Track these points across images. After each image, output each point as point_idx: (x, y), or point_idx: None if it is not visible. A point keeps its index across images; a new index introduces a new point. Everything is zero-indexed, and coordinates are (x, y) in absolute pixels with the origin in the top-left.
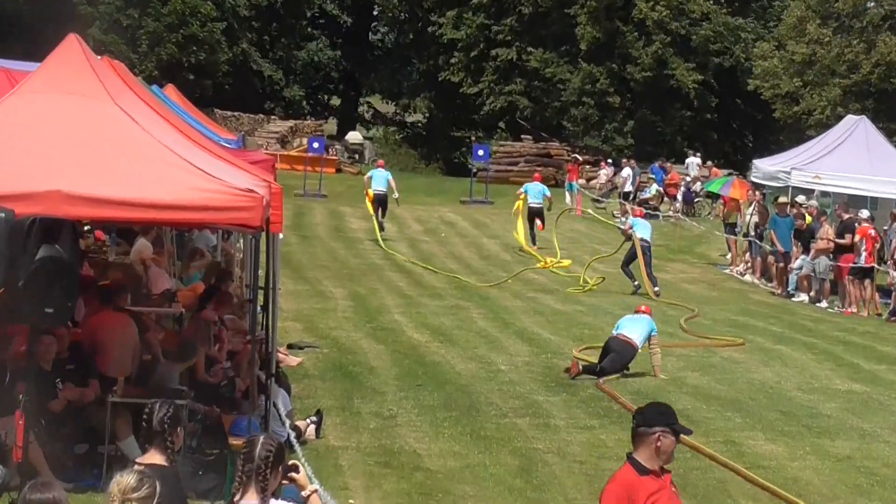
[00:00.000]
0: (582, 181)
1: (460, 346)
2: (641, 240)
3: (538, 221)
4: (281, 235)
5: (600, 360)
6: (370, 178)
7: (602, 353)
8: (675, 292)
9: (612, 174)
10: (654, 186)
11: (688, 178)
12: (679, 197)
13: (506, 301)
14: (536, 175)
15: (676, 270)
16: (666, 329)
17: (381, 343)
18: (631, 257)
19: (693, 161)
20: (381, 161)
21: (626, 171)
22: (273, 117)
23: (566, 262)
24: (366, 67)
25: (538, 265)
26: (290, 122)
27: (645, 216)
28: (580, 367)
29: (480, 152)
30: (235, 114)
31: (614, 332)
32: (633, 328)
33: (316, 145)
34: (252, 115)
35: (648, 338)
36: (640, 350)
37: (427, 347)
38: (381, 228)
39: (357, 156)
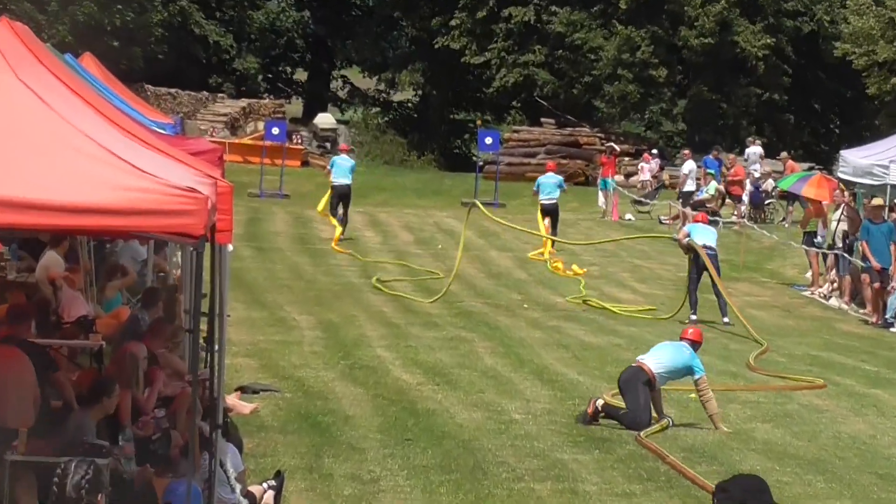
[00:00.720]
0: (619, 177)
1: (462, 390)
2: (705, 247)
3: (547, 220)
4: (230, 247)
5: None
6: (330, 167)
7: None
8: (740, 321)
9: (657, 168)
10: (713, 184)
11: (755, 174)
12: (745, 198)
13: (520, 331)
14: (550, 164)
15: (742, 292)
16: (727, 368)
17: (360, 385)
18: (698, 274)
19: (754, 151)
20: (344, 145)
21: (689, 166)
22: (221, 95)
23: (579, 270)
24: (340, 32)
25: (550, 264)
26: (243, 102)
27: (709, 222)
28: (597, 406)
29: (488, 140)
30: (172, 91)
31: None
32: (659, 354)
33: (276, 131)
34: (193, 93)
35: (689, 374)
36: (658, 382)
37: (419, 391)
38: (343, 224)
39: (329, 144)
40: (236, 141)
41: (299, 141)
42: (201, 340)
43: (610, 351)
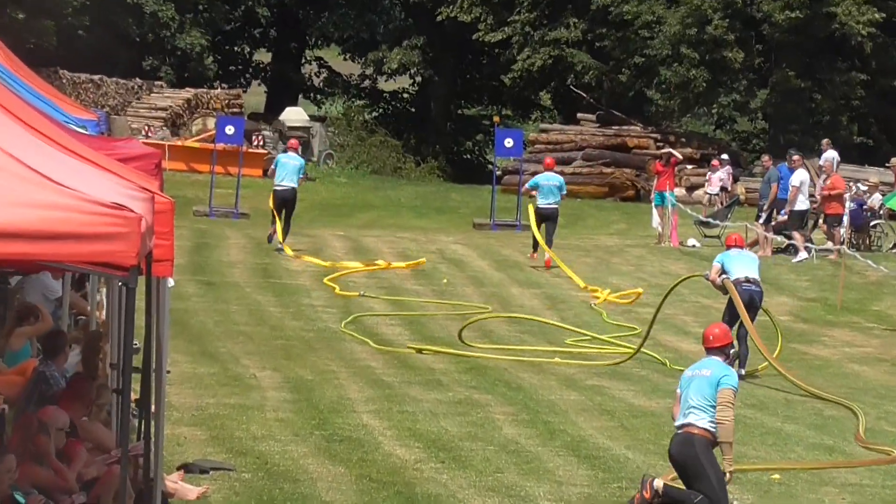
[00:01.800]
0: (680, 191)
1: (474, 469)
2: (748, 281)
3: (542, 227)
4: (171, 282)
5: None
6: (274, 166)
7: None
8: (837, 378)
9: (728, 179)
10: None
11: (861, 188)
12: (845, 219)
13: (550, 391)
14: (548, 161)
15: (840, 341)
16: (823, 441)
17: (341, 463)
18: (732, 318)
19: (830, 157)
20: (294, 141)
21: (801, 176)
22: (158, 84)
23: (633, 292)
24: (314, 1)
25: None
26: (187, 92)
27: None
28: (655, 488)
29: (508, 143)
30: (95, 77)
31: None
32: (691, 398)
33: (230, 131)
34: (123, 81)
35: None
36: (716, 432)
37: (418, 471)
38: (285, 233)
39: (300, 147)
40: (179, 143)
41: (260, 143)
42: (133, 404)
43: (667, 418)
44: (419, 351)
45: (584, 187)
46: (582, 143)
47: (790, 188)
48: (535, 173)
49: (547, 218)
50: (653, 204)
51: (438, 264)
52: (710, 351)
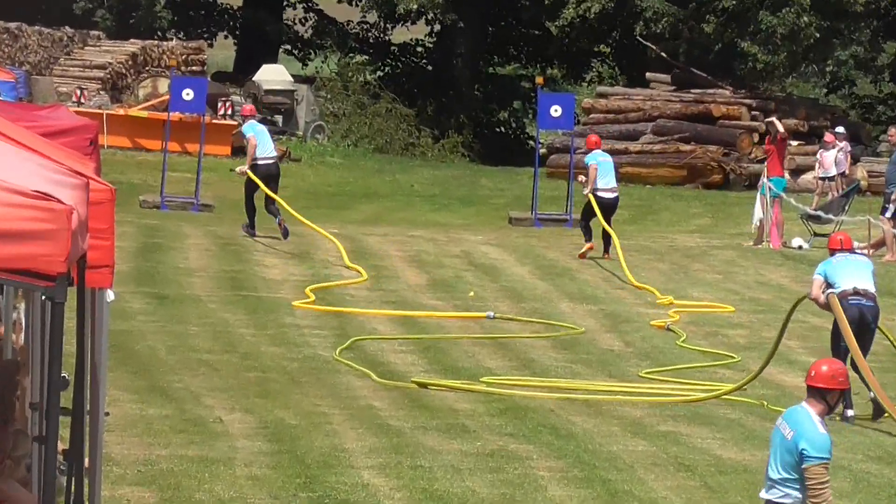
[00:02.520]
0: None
1: None
2: (856, 293)
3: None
4: (111, 295)
5: None
6: (252, 138)
7: None
8: None
9: (845, 159)
10: None
11: None
12: None
13: (610, 440)
14: (593, 138)
15: None
16: None
17: None
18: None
19: None
20: (248, 107)
21: None
22: (95, 34)
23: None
24: None
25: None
26: (133, 45)
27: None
28: None
29: (555, 111)
30: (12, 26)
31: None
32: (772, 463)
33: (188, 95)
34: (48, 31)
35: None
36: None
37: None
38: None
39: (281, 117)
40: (121, 112)
41: (229, 112)
42: (60, 457)
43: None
44: (423, 386)
45: (656, 170)
46: (652, 111)
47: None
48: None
49: (612, 209)
50: (759, 193)
51: (464, 272)
52: (809, 391)
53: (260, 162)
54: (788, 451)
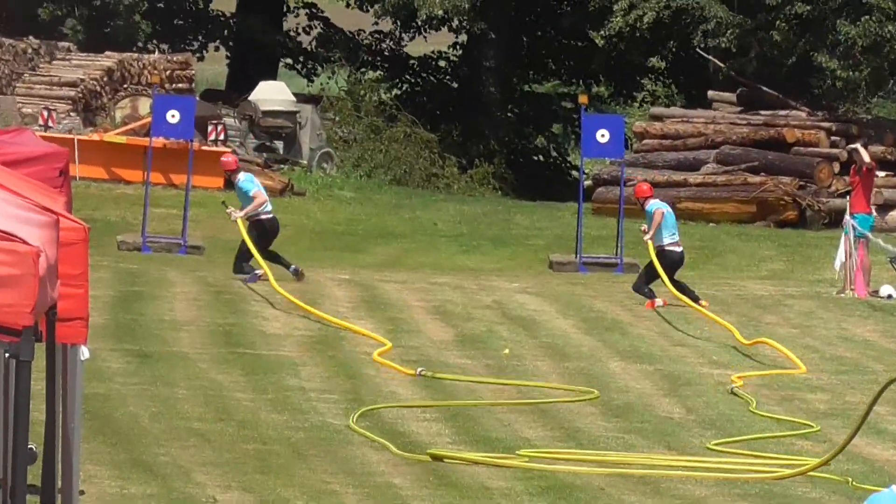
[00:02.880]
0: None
1: None
2: None
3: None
4: (85, 352)
5: None
6: (260, 194)
7: None
8: None
9: None
10: None
11: None
12: None
13: None
14: (644, 186)
15: None
16: None
17: None
18: None
19: None
20: (232, 158)
21: None
22: (65, 45)
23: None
24: None
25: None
26: (108, 59)
27: None
28: None
29: (602, 135)
30: None
31: None
32: None
33: (174, 117)
34: (11, 42)
35: None
36: None
37: None
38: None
39: (281, 143)
40: (96, 137)
41: (221, 136)
42: None
43: None
44: (439, 459)
45: (720, 205)
46: (715, 136)
47: None
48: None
49: (680, 265)
50: (843, 232)
51: (497, 325)
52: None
53: (264, 216)
54: None
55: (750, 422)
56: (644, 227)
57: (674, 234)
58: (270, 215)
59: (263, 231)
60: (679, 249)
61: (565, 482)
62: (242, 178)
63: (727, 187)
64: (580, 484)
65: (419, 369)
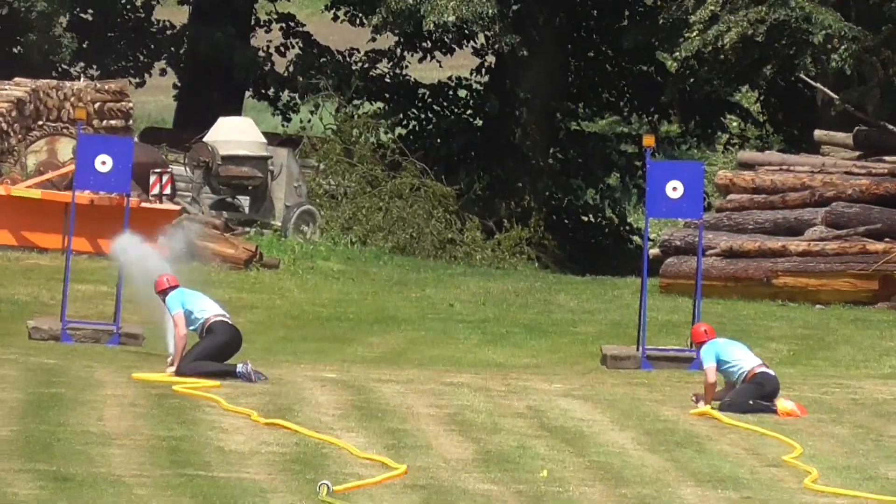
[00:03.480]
0: None
1: None
2: None
3: None
4: None
5: None
6: (179, 316)
7: None
8: None
9: None
10: None
11: None
12: None
13: None
14: (702, 328)
15: None
16: None
17: None
18: None
19: None
20: (167, 276)
21: None
22: None
23: None
24: None
25: None
26: (17, 87)
27: None
28: None
29: (674, 188)
30: None
31: None
32: None
33: (104, 164)
34: None
35: None
36: None
37: None
38: None
39: (248, 199)
40: (1, 190)
41: (166, 190)
42: None
43: None
44: None
45: (832, 281)
46: (825, 190)
47: None
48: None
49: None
50: None
51: (532, 440)
52: None
53: (222, 320)
54: None
55: None
56: (694, 395)
57: (749, 358)
58: (224, 319)
59: (228, 344)
60: (769, 373)
61: None
62: (169, 297)
63: (840, 257)
64: None
65: (321, 483)
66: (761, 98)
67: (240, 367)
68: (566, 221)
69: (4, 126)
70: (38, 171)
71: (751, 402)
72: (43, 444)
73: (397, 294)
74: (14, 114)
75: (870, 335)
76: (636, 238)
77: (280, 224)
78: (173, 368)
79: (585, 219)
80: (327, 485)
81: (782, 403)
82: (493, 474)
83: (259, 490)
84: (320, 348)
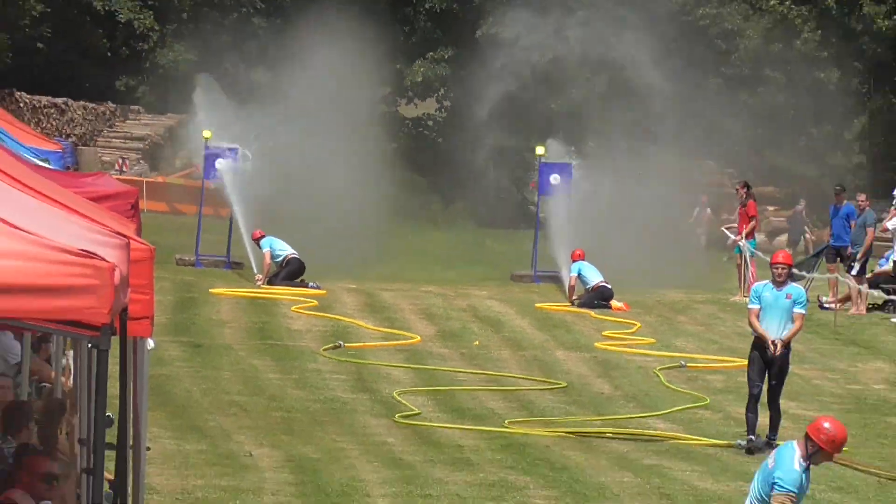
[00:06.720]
0: (761, 237)
1: None
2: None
3: None
4: (151, 343)
5: None
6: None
7: None
8: None
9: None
10: None
11: None
12: None
13: (600, 473)
14: (578, 253)
15: None
16: None
17: None
18: None
19: None
20: (259, 230)
21: (873, 214)
22: (135, 108)
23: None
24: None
25: None
26: (170, 119)
27: None
28: None
29: (556, 179)
30: (59, 101)
31: None
32: (759, 483)
33: (224, 165)
34: (92, 105)
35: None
36: None
37: None
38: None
39: None
40: (159, 179)
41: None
42: (106, 487)
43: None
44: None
45: None
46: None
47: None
48: None
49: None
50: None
51: (470, 323)
52: (806, 435)
53: (293, 256)
54: (765, 480)
55: (663, 396)
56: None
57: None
58: (295, 255)
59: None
60: (608, 286)
61: (519, 441)
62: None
63: None
64: (531, 443)
65: (338, 342)
66: None
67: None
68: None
69: (161, 141)
70: (182, 168)
71: (595, 301)
72: (185, 326)
73: (394, 240)
74: (166, 134)
75: None
76: (532, 207)
77: None
78: (261, 283)
79: (503, 197)
80: (341, 343)
81: (614, 303)
82: (447, 343)
83: (311, 352)
84: (340, 274)
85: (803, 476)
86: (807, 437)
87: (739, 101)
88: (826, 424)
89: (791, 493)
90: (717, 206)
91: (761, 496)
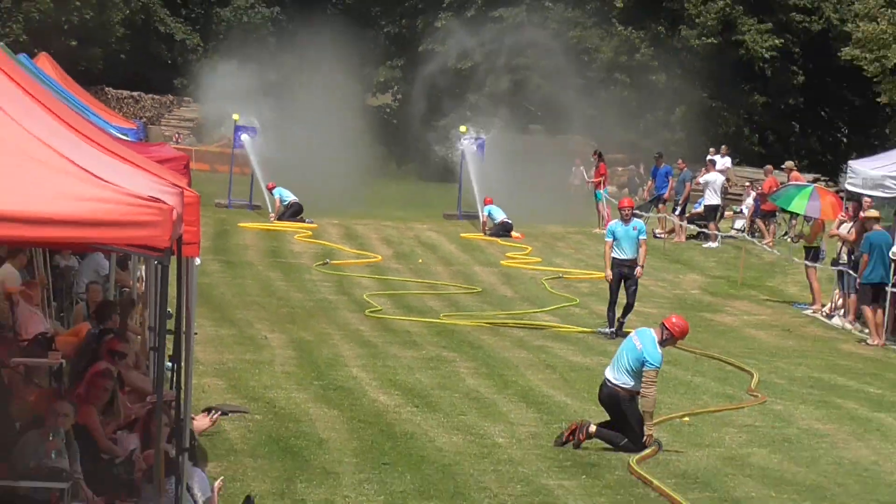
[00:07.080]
0: (612, 188)
1: (442, 412)
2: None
3: None
4: (198, 261)
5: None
6: (279, 195)
7: None
8: (737, 341)
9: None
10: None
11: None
12: (744, 210)
13: (505, 351)
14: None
15: (740, 311)
16: (724, 391)
17: (335, 407)
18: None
19: (722, 162)
20: (272, 182)
21: (689, 172)
22: (186, 99)
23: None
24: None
25: None
26: (193, 110)
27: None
28: (589, 432)
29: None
30: (135, 94)
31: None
32: (617, 363)
33: (246, 138)
34: (158, 97)
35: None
36: (634, 392)
37: (397, 413)
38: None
39: None
40: (203, 148)
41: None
42: (167, 359)
43: (599, 372)
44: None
45: None
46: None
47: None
48: None
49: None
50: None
51: (415, 249)
52: (662, 324)
53: (295, 202)
54: (636, 358)
55: (547, 298)
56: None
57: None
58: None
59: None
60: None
61: (450, 329)
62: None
63: None
64: (458, 330)
65: (326, 260)
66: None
67: (308, 220)
68: (429, 158)
69: (204, 122)
70: (218, 140)
71: (500, 233)
72: (221, 249)
73: (362, 189)
74: (205, 120)
75: None
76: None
77: None
78: (273, 219)
79: (436, 160)
80: (328, 261)
81: (514, 234)
82: (400, 261)
83: (307, 267)
84: (330, 211)
85: (661, 355)
86: (662, 326)
87: (599, 95)
88: (674, 319)
89: (658, 368)
90: (588, 167)
91: (630, 367)
